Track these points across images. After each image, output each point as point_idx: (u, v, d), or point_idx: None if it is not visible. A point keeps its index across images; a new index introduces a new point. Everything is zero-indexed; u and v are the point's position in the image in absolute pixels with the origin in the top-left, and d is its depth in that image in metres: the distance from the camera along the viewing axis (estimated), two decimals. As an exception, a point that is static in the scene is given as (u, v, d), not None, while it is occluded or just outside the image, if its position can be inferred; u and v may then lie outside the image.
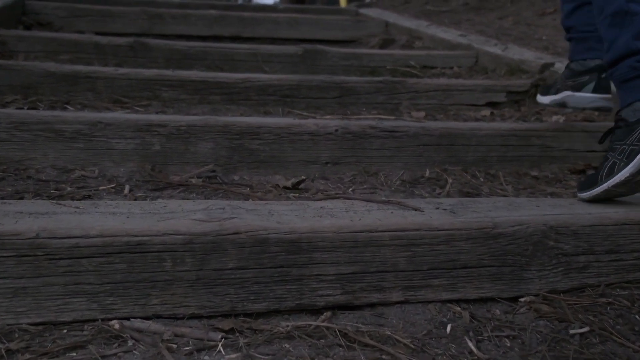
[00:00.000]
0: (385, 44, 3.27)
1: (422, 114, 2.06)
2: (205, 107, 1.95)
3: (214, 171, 1.46)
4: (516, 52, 2.47)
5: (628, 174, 1.16)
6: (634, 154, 1.16)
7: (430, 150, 1.61)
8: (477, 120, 2.01)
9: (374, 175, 1.54)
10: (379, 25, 3.54)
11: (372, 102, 2.08)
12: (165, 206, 1.05)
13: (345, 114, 2.00)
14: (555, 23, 3.12)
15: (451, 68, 2.64)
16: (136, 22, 3.29)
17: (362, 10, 4.00)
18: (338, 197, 1.20)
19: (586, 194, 1.25)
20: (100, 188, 1.30)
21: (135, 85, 1.91)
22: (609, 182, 1.21)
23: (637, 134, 1.17)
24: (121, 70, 1.91)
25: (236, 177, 1.47)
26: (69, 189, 1.28)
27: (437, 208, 1.13)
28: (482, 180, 1.55)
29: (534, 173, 1.62)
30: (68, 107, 1.79)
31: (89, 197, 1.24)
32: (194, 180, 1.40)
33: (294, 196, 1.33)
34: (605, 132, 1.33)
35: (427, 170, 1.58)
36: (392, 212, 1.08)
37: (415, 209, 1.10)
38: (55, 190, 1.26)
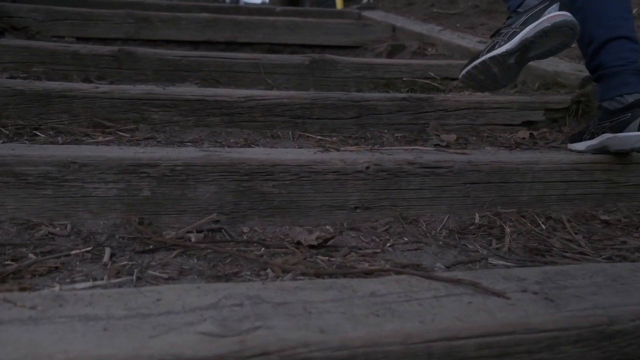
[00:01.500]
0: (395, 50, 2.98)
1: (453, 136, 1.77)
2: (202, 130, 1.64)
3: (218, 221, 1.16)
4: (549, 63, 2.18)
5: (504, 50, 1.36)
6: (514, 35, 1.35)
7: (478, 190, 1.31)
8: (517, 144, 1.72)
9: (414, 223, 1.25)
10: (386, 30, 3.24)
11: (395, 122, 1.78)
12: (158, 299, 0.74)
13: (365, 137, 1.71)
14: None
15: (474, 79, 2.34)
16: (121, 27, 2.97)
17: (365, 13, 3.70)
18: (386, 271, 0.90)
19: (463, 72, 1.52)
20: (72, 253, 0.99)
21: (119, 106, 1.59)
22: (485, 55, 1.40)
23: (522, 19, 1.35)
24: (103, 88, 1.60)
25: (245, 229, 1.17)
26: (31, 255, 0.97)
27: (525, 291, 0.83)
28: (544, 227, 1.26)
29: (603, 216, 1.33)
30: (38, 133, 1.47)
31: (56, 269, 0.93)
32: (193, 237, 1.09)
33: (322, 259, 1.03)
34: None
35: (477, 215, 1.29)
36: (470, 303, 0.79)
37: (499, 295, 0.81)
38: (12, 260, 0.94)
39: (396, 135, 1.75)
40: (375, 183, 1.25)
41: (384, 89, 2.23)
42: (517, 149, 1.66)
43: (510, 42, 1.36)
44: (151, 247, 1.04)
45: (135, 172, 1.13)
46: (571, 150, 1.51)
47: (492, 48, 1.41)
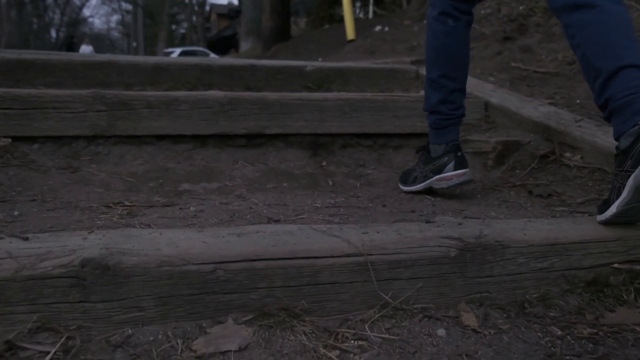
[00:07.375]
0: (507, 151, 1.90)
1: None
2: None
3: None
4: None
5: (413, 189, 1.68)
6: (423, 179, 1.67)
7: None
8: None
9: None
10: (476, 108, 2.15)
11: None
12: None
13: None
14: None
15: None
16: (86, 117, 1.80)
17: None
18: None
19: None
20: None
21: None
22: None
23: (429, 166, 1.64)
24: None
25: None
26: None
27: None
28: None
29: None
30: None
31: None
32: None
33: None
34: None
35: None
36: None
37: None
38: None
39: None
40: None
41: (587, 291, 1.15)
42: None
43: (417, 185, 1.64)
44: None
45: None
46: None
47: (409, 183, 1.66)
